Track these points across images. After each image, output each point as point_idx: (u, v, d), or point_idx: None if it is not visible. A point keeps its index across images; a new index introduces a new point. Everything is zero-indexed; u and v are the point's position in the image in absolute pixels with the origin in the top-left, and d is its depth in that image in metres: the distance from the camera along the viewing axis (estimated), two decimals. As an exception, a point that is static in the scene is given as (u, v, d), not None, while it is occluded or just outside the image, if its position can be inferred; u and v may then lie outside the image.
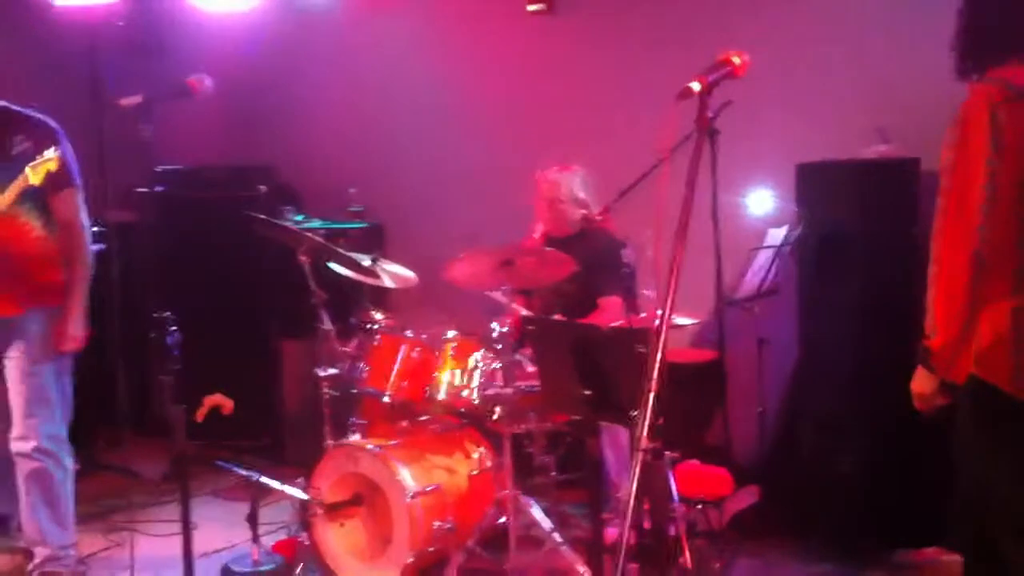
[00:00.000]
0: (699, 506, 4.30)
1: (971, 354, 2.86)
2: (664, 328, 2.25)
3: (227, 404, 4.06)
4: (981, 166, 2.76)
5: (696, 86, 2.38)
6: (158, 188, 6.10)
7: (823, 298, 4.61)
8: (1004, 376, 2.82)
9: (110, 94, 6.51)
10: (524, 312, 4.66)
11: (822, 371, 4.65)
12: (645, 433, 2.12)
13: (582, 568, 4.08)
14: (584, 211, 4.86)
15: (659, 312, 4.09)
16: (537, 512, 4.29)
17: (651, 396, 2.16)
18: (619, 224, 4.87)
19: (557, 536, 4.22)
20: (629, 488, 2.16)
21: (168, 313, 3.08)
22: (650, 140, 3.47)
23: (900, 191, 4.54)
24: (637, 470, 2.11)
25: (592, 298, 4.76)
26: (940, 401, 3.00)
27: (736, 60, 2.47)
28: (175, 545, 3.61)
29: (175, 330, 3.06)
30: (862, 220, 4.48)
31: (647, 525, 3.67)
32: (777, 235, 4.86)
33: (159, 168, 6.10)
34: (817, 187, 4.64)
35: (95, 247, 4.39)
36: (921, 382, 3.01)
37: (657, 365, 2.19)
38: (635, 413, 2.16)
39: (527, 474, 4.56)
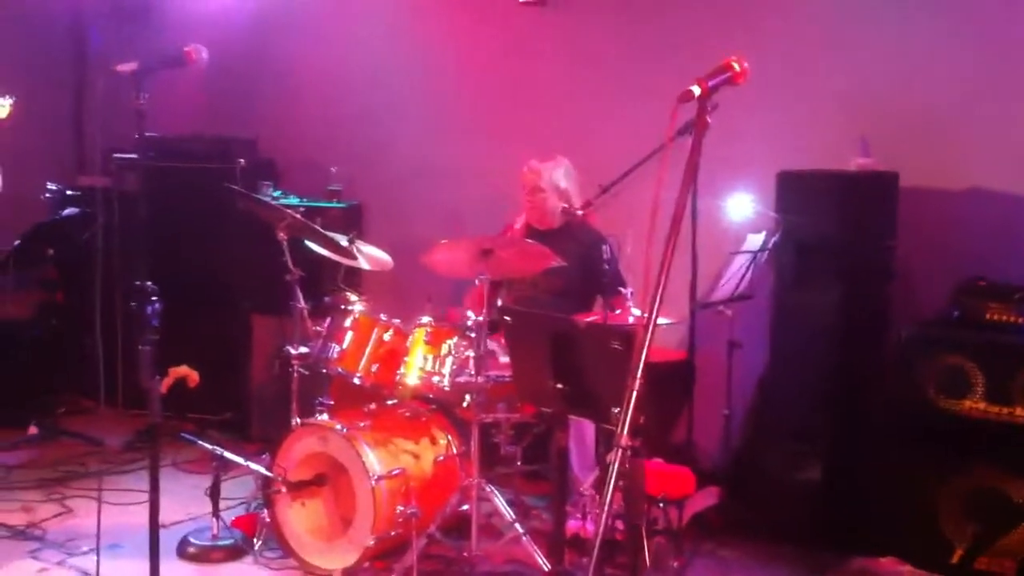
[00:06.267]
0: (660, 504, 4.32)
1: None
2: (651, 326, 2.26)
3: (192, 376, 4.01)
4: None
5: (696, 90, 2.38)
6: (136, 155, 6.02)
7: (797, 306, 4.65)
8: None
9: (95, 58, 6.47)
10: (500, 303, 4.66)
11: (791, 377, 4.69)
12: (626, 430, 2.14)
13: (542, 559, 4.11)
14: (565, 204, 4.85)
15: (633, 310, 4.17)
16: (500, 501, 4.31)
17: (633, 394, 2.17)
18: (598, 220, 4.89)
19: (518, 526, 4.24)
20: (606, 484, 2.16)
21: (150, 283, 3.06)
22: (633, 138, 3.51)
23: (879, 204, 4.59)
24: (616, 466, 2.12)
25: (571, 292, 4.76)
26: None
27: (736, 66, 2.45)
28: (132, 514, 3.57)
29: (156, 300, 3.04)
30: (840, 231, 4.52)
31: (611, 521, 3.68)
32: (755, 241, 4.89)
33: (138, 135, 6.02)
34: (797, 195, 4.67)
35: (69, 211, 4.34)
36: None
37: (642, 363, 2.20)
38: (617, 410, 2.18)
39: (492, 463, 4.57)
